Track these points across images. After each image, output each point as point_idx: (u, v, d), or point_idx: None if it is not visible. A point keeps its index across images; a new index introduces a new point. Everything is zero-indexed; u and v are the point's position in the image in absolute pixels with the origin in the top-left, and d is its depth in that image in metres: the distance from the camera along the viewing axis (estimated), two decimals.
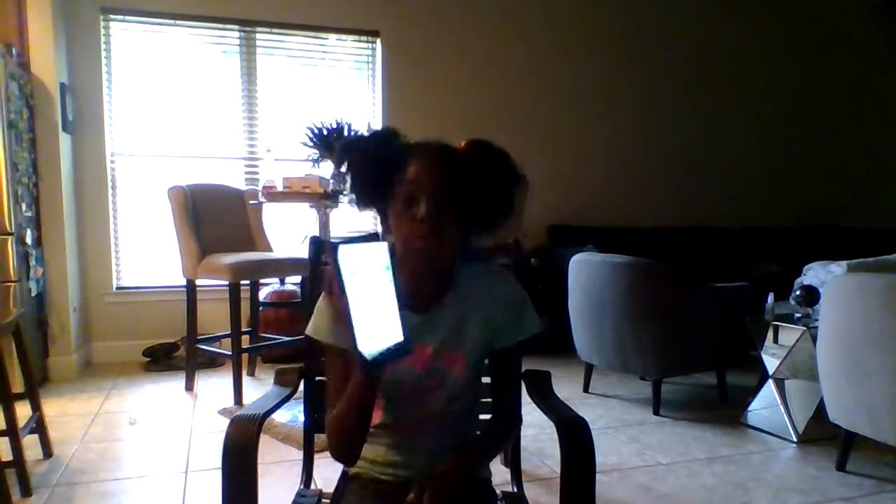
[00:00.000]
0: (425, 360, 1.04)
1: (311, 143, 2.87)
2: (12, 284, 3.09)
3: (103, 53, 3.94)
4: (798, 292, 2.75)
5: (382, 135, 1.03)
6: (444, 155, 0.98)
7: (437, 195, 0.95)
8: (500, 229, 1.04)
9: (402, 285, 0.98)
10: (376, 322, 0.77)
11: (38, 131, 3.51)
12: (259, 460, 0.99)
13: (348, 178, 1.03)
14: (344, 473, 1.18)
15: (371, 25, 4.40)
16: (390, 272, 0.77)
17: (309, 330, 1.07)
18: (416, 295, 1.02)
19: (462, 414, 1.11)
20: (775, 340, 2.83)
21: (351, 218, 3.59)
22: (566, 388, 3.37)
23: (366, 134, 1.05)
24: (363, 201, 1.03)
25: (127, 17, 3.99)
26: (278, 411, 1.24)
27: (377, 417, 1.07)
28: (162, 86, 4.09)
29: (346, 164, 1.03)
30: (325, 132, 2.84)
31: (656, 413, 3.03)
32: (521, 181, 1.01)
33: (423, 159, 0.97)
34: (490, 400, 1.16)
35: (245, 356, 3.38)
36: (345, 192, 2.54)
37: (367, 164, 1.01)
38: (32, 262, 3.31)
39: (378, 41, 4.44)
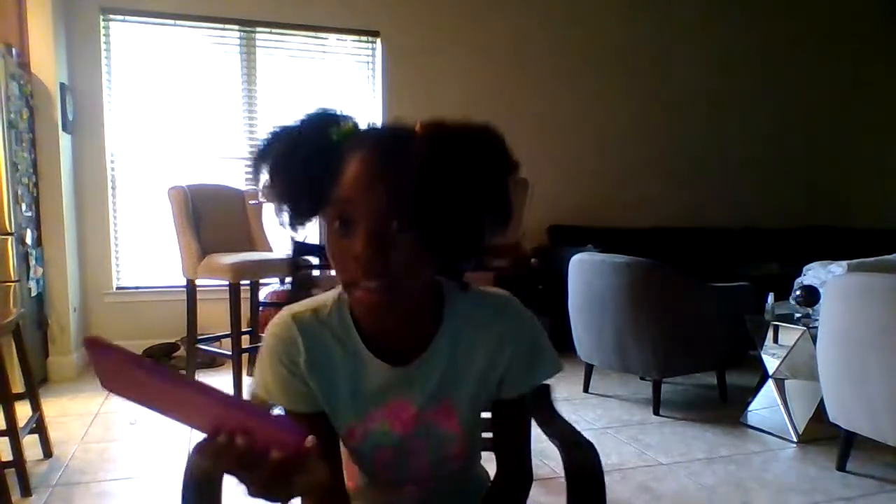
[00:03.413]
0: (407, 421, 0.84)
1: None
2: (12, 284, 3.08)
3: (103, 53, 3.94)
4: (798, 292, 2.75)
5: (311, 126, 0.74)
6: (389, 150, 0.69)
7: (378, 218, 0.67)
8: (494, 240, 0.75)
9: (371, 332, 0.80)
10: None
11: (38, 131, 3.51)
12: (225, 492, 0.87)
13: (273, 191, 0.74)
14: None
15: (371, 25, 4.39)
16: None
17: (257, 389, 0.84)
18: (391, 342, 0.81)
19: (457, 472, 0.93)
20: (775, 340, 2.83)
21: None
22: (566, 388, 3.36)
23: (293, 125, 0.75)
24: (296, 220, 0.74)
25: (127, 18, 3.99)
26: None
27: (351, 483, 0.93)
28: (162, 86, 4.08)
29: (267, 172, 0.74)
30: None
31: (656, 413, 3.03)
32: (515, 171, 0.72)
33: (358, 162, 0.68)
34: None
35: (245, 356, 3.38)
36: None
37: (293, 170, 0.72)
38: (32, 262, 3.31)
39: (378, 41, 4.43)
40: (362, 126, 0.75)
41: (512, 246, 1.12)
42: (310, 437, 0.54)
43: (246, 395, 0.80)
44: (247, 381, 3.44)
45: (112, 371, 0.56)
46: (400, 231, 0.68)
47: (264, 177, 0.73)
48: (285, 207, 0.73)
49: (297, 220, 0.73)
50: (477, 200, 0.69)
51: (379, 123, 0.76)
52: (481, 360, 0.84)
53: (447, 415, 0.85)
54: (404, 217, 0.67)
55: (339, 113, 0.75)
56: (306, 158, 0.71)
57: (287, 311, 0.84)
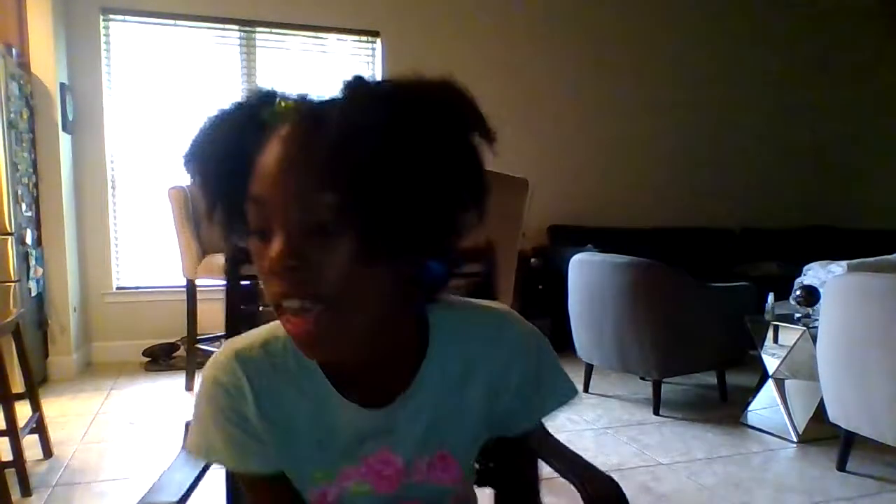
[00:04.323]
0: (393, 477, 0.67)
1: None
2: (12, 284, 3.08)
3: (103, 53, 3.94)
4: (798, 292, 2.75)
5: (241, 107, 0.58)
6: (305, 124, 0.52)
7: (294, 214, 0.52)
8: (467, 229, 0.57)
9: (336, 367, 0.64)
10: None
11: (38, 131, 3.51)
12: None
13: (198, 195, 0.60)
14: None
15: (371, 25, 4.40)
16: None
17: (197, 450, 0.65)
18: (363, 378, 0.65)
19: None
20: (775, 340, 2.83)
21: None
22: None
23: (225, 107, 0.59)
24: (229, 229, 0.58)
25: (127, 18, 3.99)
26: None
27: None
28: (162, 86, 4.08)
29: (190, 170, 0.59)
30: None
31: (656, 413, 3.03)
32: (482, 126, 0.55)
33: (270, 145, 0.53)
34: None
35: None
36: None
37: (208, 162, 0.57)
38: (32, 262, 3.31)
39: (378, 41, 4.43)
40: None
41: (484, 247, 0.93)
42: None
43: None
44: None
45: None
46: (326, 229, 0.51)
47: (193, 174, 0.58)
48: (214, 212, 0.58)
49: (230, 228, 0.57)
50: (433, 175, 0.51)
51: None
52: (480, 394, 0.67)
53: (445, 466, 0.68)
54: (330, 209, 0.50)
55: (282, 92, 0.57)
56: (223, 145, 0.55)
57: (230, 348, 0.66)
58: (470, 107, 0.54)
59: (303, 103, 0.55)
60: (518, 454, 0.76)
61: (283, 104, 0.55)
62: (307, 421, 0.65)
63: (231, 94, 4.18)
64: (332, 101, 0.54)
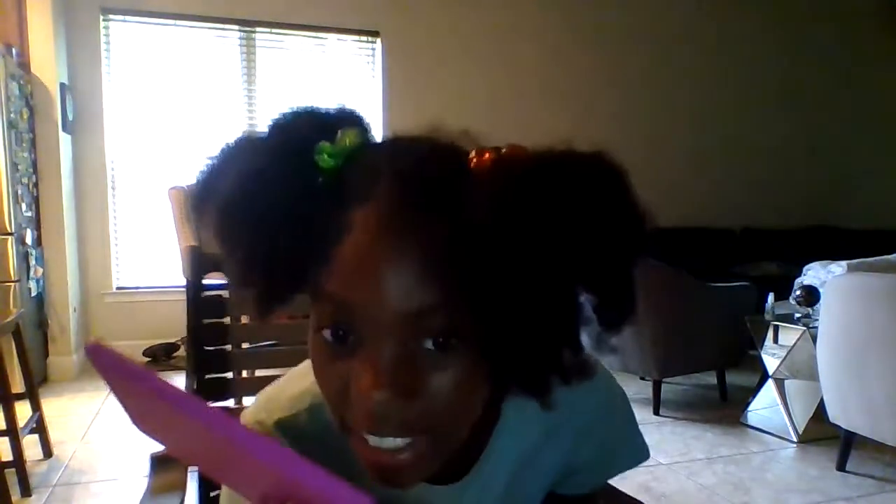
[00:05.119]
0: None
1: None
2: (12, 284, 3.08)
3: (103, 53, 3.94)
4: (798, 292, 2.75)
5: (282, 144, 0.42)
6: (421, 204, 0.38)
7: (401, 334, 0.39)
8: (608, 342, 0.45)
9: None
10: None
11: (38, 131, 3.51)
12: None
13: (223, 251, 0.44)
14: None
15: (371, 25, 4.40)
16: None
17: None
18: None
19: None
20: (775, 340, 2.83)
21: None
22: None
23: (255, 138, 0.45)
24: (264, 306, 0.43)
25: (127, 18, 3.99)
26: None
27: None
28: (162, 86, 4.08)
29: (211, 226, 0.45)
30: None
31: (656, 413, 3.03)
32: (643, 227, 0.47)
33: (364, 228, 0.38)
34: None
35: None
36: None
37: (247, 232, 0.41)
38: (32, 262, 3.31)
39: (378, 41, 4.43)
40: (373, 136, 0.43)
41: None
42: None
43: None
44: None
45: (123, 387, 0.40)
46: (441, 346, 0.39)
47: (210, 229, 0.44)
48: (246, 288, 0.43)
49: (266, 305, 0.43)
50: (576, 285, 0.40)
51: (401, 136, 0.44)
52: (553, 461, 0.60)
53: None
54: (451, 320, 0.38)
55: (332, 111, 0.44)
56: (264, 198, 0.40)
57: (265, 412, 0.52)
58: (631, 201, 0.43)
59: (411, 164, 0.39)
60: None
61: (347, 138, 0.41)
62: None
63: (231, 94, 4.19)
64: (457, 171, 0.38)
